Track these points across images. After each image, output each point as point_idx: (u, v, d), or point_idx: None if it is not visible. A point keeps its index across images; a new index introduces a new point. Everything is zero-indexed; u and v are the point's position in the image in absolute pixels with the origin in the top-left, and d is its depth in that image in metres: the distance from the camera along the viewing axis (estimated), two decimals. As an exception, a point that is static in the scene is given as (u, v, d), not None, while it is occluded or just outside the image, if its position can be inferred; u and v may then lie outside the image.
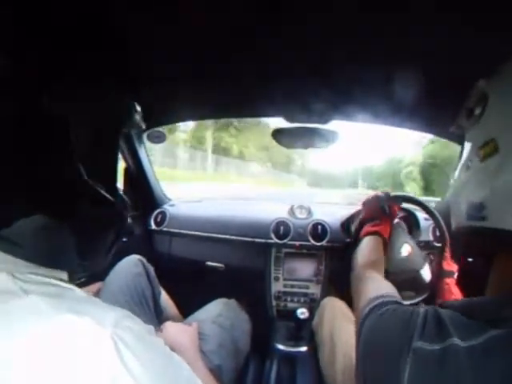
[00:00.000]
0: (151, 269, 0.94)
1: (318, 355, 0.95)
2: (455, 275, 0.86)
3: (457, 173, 0.48)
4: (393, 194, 0.96)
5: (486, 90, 0.43)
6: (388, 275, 0.86)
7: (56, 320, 0.27)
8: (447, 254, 0.89)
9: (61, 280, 0.34)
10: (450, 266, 0.88)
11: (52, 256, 0.35)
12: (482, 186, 0.39)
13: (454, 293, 0.82)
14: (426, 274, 0.88)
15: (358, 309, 0.50)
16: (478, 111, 0.44)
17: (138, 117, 0.48)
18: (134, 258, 0.94)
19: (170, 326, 0.74)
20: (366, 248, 0.78)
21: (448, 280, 0.85)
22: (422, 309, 0.40)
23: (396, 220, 0.94)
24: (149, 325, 0.35)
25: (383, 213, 0.88)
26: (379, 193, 0.95)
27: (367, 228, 0.85)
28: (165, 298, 0.98)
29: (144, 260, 0.95)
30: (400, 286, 0.88)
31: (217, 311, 0.90)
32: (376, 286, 0.55)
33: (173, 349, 0.36)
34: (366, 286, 0.57)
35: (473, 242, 0.45)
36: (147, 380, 0.28)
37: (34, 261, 0.33)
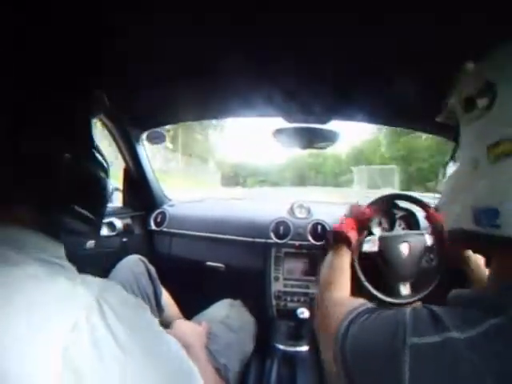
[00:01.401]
0: (152, 268, 0.95)
1: (318, 354, 0.95)
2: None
3: (453, 170, 0.45)
4: (377, 197, 0.97)
5: (491, 78, 0.39)
6: (398, 277, 0.86)
7: (51, 283, 0.30)
8: (431, 212, 0.88)
9: (60, 257, 0.37)
10: (438, 217, 0.86)
11: None
12: (495, 191, 0.36)
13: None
14: (433, 260, 0.88)
15: (332, 326, 0.49)
16: (483, 103, 0.39)
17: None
18: (135, 257, 0.95)
19: (181, 324, 0.75)
20: (328, 268, 0.74)
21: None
22: (408, 309, 0.40)
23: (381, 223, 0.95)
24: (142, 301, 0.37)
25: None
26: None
27: (334, 225, 0.86)
28: (166, 298, 0.99)
29: (145, 259, 0.95)
30: (413, 281, 0.89)
31: (224, 312, 0.90)
32: (347, 302, 0.53)
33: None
34: (336, 304, 0.56)
35: (478, 246, 0.43)
36: (127, 338, 0.29)
37: None
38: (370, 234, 0.95)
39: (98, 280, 0.33)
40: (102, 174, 0.44)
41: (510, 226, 0.34)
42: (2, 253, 0.31)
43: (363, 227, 0.88)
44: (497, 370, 0.30)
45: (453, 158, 0.46)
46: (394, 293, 0.87)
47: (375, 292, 0.86)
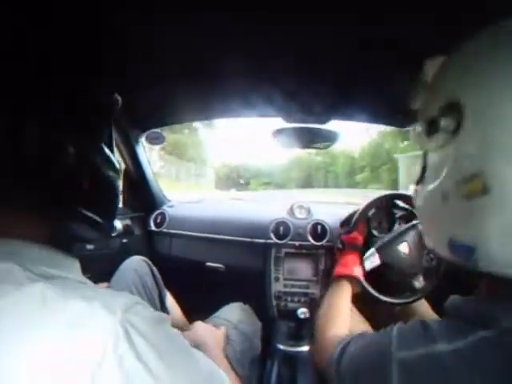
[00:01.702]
0: (156, 270, 0.94)
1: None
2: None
3: (424, 192, 0.40)
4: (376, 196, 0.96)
5: (455, 95, 0.32)
6: (389, 272, 0.86)
7: (63, 306, 0.26)
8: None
9: (74, 272, 0.34)
10: None
11: None
12: (469, 229, 0.33)
13: None
14: (433, 260, 0.89)
15: (328, 352, 0.51)
16: (448, 126, 0.33)
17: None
18: (139, 258, 0.94)
19: (200, 326, 0.74)
20: (328, 305, 0.73)
21: None
22: (397, 324, 0.40)
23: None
24: (163, 314, 0.33)
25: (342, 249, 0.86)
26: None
27: (336, 269, 0.81)
28: (170, 300, 0.98)
29: (148, 261, 0.94)
30: (401, 282, 0.89)
31: (236, 316, 0.88)
32: (341, 335, 0.55)
33: (198, 347, 0.35)
34: (333, 337, 0.56)
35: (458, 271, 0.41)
36: (160, 366, 0.27)
37: None
38: (372, 236, 0.95)
39: (121, 299, 0.29)
40: (111, 173, 0.40)
41: (485, 262, 0.32)
42: (1, 269, 0.28)
43: (363, 249, 0.86)
44: (486, 381, 0.30)
45: (421, 179, 0.42)
46: (410, 291, 0.87)
47: (392, 300, 0.86)
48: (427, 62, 0.39)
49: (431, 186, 0.38)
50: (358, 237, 0.87)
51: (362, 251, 0.85)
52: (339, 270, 0.79)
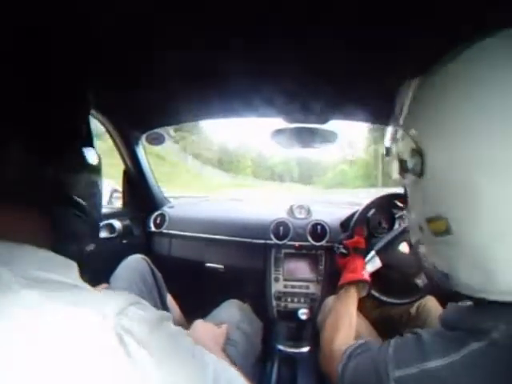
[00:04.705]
0: (155, 269, 0.93)
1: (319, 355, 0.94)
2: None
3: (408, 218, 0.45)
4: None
5: (420, 143, 0.36)
6: (391, 272, 0.86)
7: (50, 312, 0.25)
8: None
9: (71, 276, 0.32)
10: None
11: None
12: (443, 259, 0.38)
13: None
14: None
15: (334, 363, 0.52)
16: (414, 169, 0.36)
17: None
18: (139, 256, 0.93)
19: (198, 324, 0.73)
20: (335, 313, 0.71)
21: None
22: (393, 340, 0.42)
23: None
24: (163, 311, 0.32)
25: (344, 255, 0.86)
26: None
27: (344, 276, 0.79)
28: (169, 299, 0.97)
29: (148, 260, 0.94)
30: (404, 282, 0.89)
31: (237, 316, 0.87)
32: (348, 342, 0.55)
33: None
34: (340, 346, 0.57)
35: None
36: (161, 375, 0.25)
37: None
38: (372, 236, 0.95)
39: (114, 300, 0.27)
40: (91, 173, 0.40)
41: (460, 287, 0.37)
42: None
43: (368, 251, 0.85)
44: None
45: (406, 205, 0.46)
46: (413, 290, 0.87)
47: (395, 300, 0.87)
48: (402, 87, 0.42)
49: (411, 216, 0.43)
50: (361, 240, 0.86)
51: (364, 254, 0.85)
52: (348, 276, 0.77)
